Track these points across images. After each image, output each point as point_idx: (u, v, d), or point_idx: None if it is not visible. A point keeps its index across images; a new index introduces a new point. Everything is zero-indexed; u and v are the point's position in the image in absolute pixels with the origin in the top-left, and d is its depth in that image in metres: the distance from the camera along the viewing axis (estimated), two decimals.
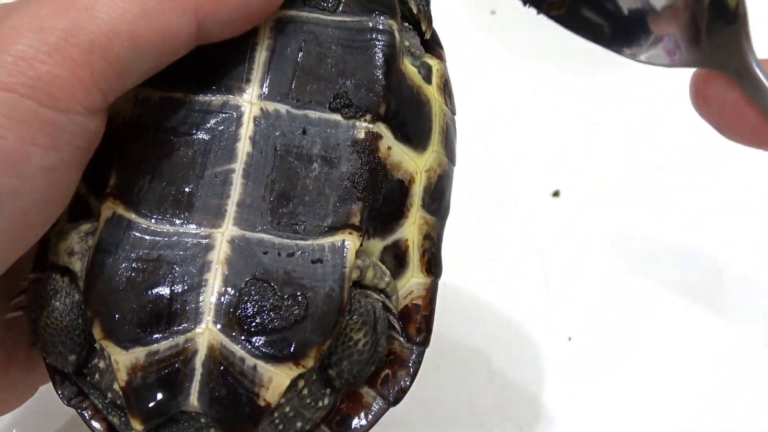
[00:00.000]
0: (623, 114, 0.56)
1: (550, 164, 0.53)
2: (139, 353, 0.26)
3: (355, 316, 0.28)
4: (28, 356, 0.31)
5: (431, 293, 0.30)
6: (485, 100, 0.54)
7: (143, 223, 0.27)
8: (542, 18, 0.63)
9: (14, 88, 0.23)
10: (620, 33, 0.24)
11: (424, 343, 0.30)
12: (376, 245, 0.29)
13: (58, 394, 0.29)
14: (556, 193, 0.51)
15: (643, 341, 0.45)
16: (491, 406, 0.44)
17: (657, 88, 0.57)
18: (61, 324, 0.28)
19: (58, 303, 0.28)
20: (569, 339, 0.46)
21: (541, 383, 0.44)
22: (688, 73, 0.57)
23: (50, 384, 0.31)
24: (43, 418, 0.42)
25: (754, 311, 0.47)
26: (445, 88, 0.31)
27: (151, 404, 0.26)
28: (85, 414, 0.29)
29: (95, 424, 0.29)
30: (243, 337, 0.26)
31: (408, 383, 0.30)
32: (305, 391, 0.28)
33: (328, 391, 0.29)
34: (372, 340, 0.28)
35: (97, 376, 0.28)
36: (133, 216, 0.27)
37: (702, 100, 0.24)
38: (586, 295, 0.47)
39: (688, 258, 0.49)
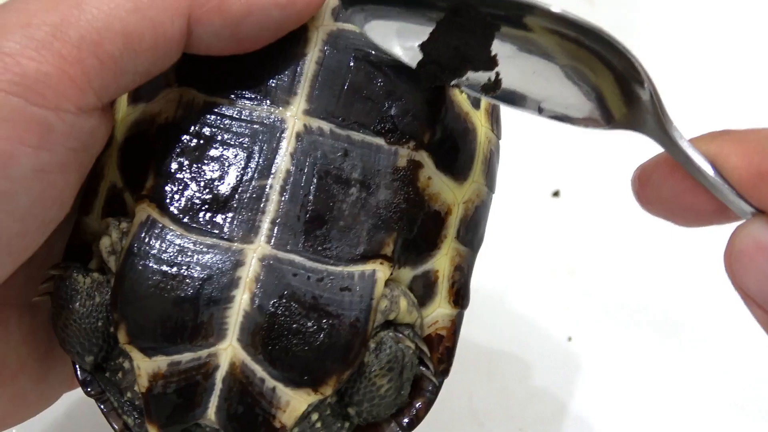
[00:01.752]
0: None
1: (550, 164, 0.53)
2: (161, 362, 0.26)
3: (384, 361, 0.27)
4: (40, 366, 0.31)
5: (456, 325, 0.30)
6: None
7: (177, 230, 0.26)
8: None
9: (0, 85, 0.22)
10: (554, 106, 0.25)
11: (444, 373, 0.30)
12: (407, 274, 0.29)
13: (80, 383, 0.29)
14: (556, 193, 0.51)
15: (643, 341, 0.45)
16: (491, 406, 0.44)
17: (658, 86, 0.57)
18: (79, 327, 0.28)
19: (78, 305, 0.28)
20: (569, 339, 0.46)
21: (541, 383, 0.44)
22: (687, 73, 0.57)
23: None
24: (43, 420, 0.41)
25: None
26: (493, 113, 0.31)
27: (168, 413, 0.26)
28: (104, 408, 0.29)
29: (113, 419, 0.29)
30: (265, 358, 0.26)
31: (423, 412, 0.29)
32: (318, 425, 0.28)
33: (346, 425, 0.28)
34: (396, 386, 0.28)
35: (120, 374, 0.28)
36: (167, 221, 0.26)
37: (645, 194, 0.25)
38: (586, 295, 0.47)
39: (689, 257, 0.49)
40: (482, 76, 0.25)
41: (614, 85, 0.24)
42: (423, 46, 0.25)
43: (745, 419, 0.43)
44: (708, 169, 0.22)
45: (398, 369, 0.28)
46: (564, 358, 0.45)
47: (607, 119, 0.24)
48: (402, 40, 0.25)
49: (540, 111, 0.25)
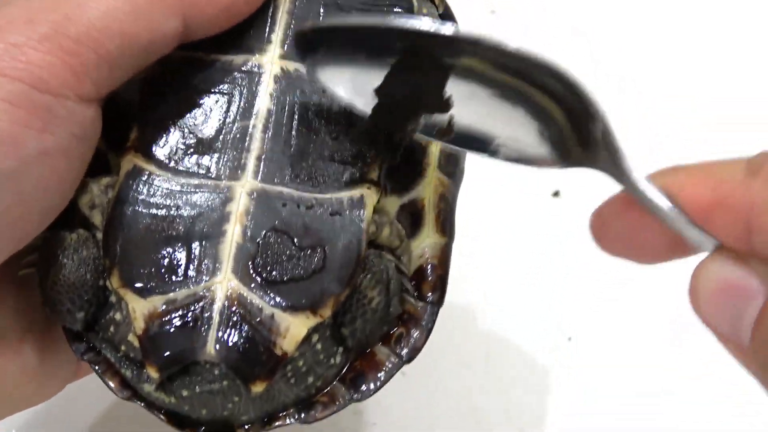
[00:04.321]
0: (622, 113, 0.55)
1: None
2: (156, 301, 0.26)
3: (369, 275, 0.28)
4: (43, 340, 0.31)
5: (445, 253, 0.31)
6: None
7: (163, 175, 0.27)
8: (542, 19, 0.63)
9: (6, 72, 0.24)
10: (508, 147, 0.25)
11: (439, 301, 0.30)
12: (394, 203, 0.30)
13: (72, 349, 0.29)
14: (556, 193, 0.51)
15: (644, 341, 0.45)
16: (491, 405, 0.44)
17: (656, 86, 0.57)
18: (68, 281, 0.28)
19: (66, 260, 0.28)
20: (569, 339, 0.46)
21: (541, 383, 0.44)
22: (686, 72, 0.57)
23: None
24: (42, 420, 0.42)
25: None
26: None
27: (167, 352, 0.26)
28: (98, 369, 0.29)
29: (108, 379, 0.29)
30: (261, 287, 0.26)
31: (422, 342, 0.30)
32: (318, 346, 0.28)
33: (340, 349, 0.29)
34: (385, 300, 0.29)
35: (111, 329, 0.29)
36: (153, 168, 0.27)
37: (604, 234, 0.25)
38: (587, 294, 0.47)
39: (690, 257, 0.49)
40: (437, 119, 0.26)
41: (568, 123, 0.24)
42: (378, 90, 0.26)
43: (746, 417, 0.43)
44: (664, 202, 0.22)
45: (385, 281, 0.28)
46: (564, 358, 0.45)
47: (562, 158, 0.25)
48: (357, 85, 0.26)
49: (495, 153, 0.26)
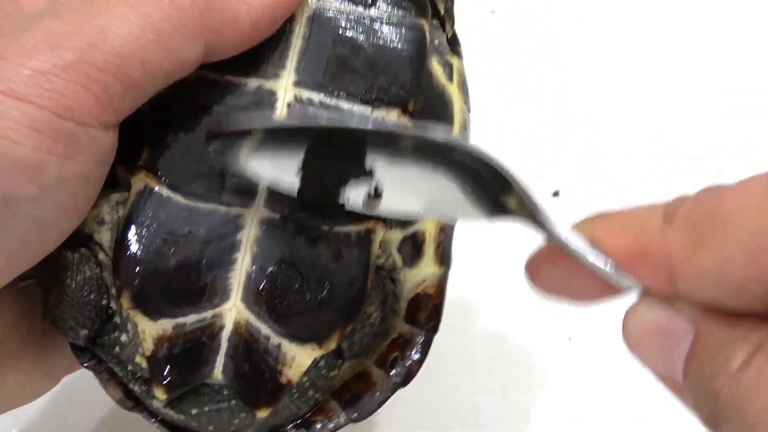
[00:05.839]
0: (623, 113, 0.56)
1: (550, 164, 0.53)
2: (166, 325, 0.26)
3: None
4: (40, 345, 0.31)
5: (442, 283, 0.31)
6: (484, 100, 0.54)
7: (175, 197, 0.27)
8: (542, 18, 0.63)
9: (32, 99, 0.24)
10: (433, 206, 0.25)
11: (434, 329, 0.31)
12: (397, 235, 0.30)
13: (75, 355, 0.29)
14: (556, 193, 0.51)
15: None
16: (491, 406, 0.44)
17: (658, 86, 0.57)
18: (71, 301, 0.28)
19: (68, 280, 0.28)
20: (569, 339, 0.46)
21: (541, 383, 0.44)
22: (693, 62, 0.57)
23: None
24: (42, 420, 0.42)
25: None
26: (464, 87, 0.32)
27: (175, 375, 0.27)
28: (101, 378, 0.29)
29: (112, 390, 0.29)
30: (269, 316, 0.26)
31: (417, 366, 0.31)
32: (322, 363, 0.29)
33: (339, 362, 0.30)
34: (381, 315, 0.29)
35: (117, 348, 0.29)
36: (165, 190, 0.27)
37: (538, 282, 0.25)
38: None
39: None
40: (362, 191, 0.26)
41: (489, 187, 0.24)
42: (302, 165, 0.25)
43: None
44: (587, 254, 0.22)
45: (381, 296, 0.29)
46: (564, 358, 0.45)
47: (488, 213, 0.25)
48: (280, 164, 0.25)
49: (424, 213, 0.26)
